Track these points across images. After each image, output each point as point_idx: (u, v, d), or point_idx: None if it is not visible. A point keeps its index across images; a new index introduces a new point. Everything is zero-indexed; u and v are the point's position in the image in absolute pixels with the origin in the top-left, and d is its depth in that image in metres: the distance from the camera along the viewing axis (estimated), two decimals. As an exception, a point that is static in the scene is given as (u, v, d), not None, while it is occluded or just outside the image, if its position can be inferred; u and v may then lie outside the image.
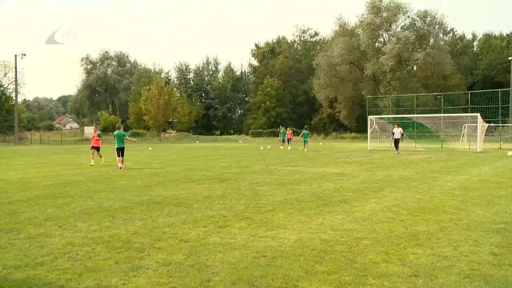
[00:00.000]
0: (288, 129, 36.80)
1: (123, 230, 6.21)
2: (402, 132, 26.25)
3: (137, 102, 75.37)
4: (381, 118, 37.18)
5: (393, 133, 26.33)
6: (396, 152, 25.73)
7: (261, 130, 72.26)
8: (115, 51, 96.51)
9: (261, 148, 34.22)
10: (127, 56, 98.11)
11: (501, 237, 5.70)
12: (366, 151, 29.07)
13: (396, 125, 26.34)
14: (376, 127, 34.78)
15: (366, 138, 36.87)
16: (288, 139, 34.78)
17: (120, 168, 15.76)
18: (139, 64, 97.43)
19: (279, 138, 34.63)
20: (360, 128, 64.00)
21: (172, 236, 5.82)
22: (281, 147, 33.31)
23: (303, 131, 33.40)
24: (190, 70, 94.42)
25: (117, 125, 18.61)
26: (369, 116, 34.61)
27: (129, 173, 14.46)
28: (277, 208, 7.85)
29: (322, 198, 8.92)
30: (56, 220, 6.89)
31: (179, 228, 6.31)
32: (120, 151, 16.40)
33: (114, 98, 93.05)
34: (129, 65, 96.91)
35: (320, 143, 49.58)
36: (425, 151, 28.70)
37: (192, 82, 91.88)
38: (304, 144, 32.05)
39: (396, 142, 25.98)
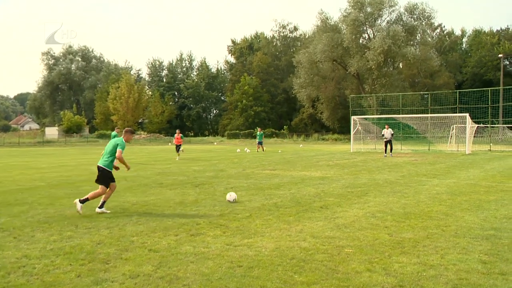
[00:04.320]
0: (258, 129, 36.49)
1: (86, 240, 6.08)
2: (392, 133, 26.59)
3: (104, 101, 74.45)
4: (365, 119, 37.64)
5: (383, 135, 26.63)
6: (385, 154, 26.07)
7: (237, 131, 72.33)
8: (79, 45, 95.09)
9: (238, 150, 34.16)
10: (93, 51, 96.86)
11: (491, 244, 5.77)
12: (349, 154, 29.38)
13: (386, 126, 26.63)
14: (360, 128, 35.19)
15: (349, 139, 37.30)
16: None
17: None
18: (106, 60, 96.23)
19: (257, 140, 34.40)
20: (343, 129, 64.76)
21: (141, 246, 5.73)
22: (257, 150, 33.22)
23: (258, 132, 33.65)
24: (163, 67, 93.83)
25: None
26: (352, 117, 35.03)
27: (94, 178, 14.18)
28: (254, 214, 7.84)
29: (302, 204, 8.95)
30: (10, 230, 6.70)
31: (148, 237, 6.23)
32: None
33: (79, 97, 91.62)
34: (95, 60, 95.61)
35: (301, 145, 49.85)
36: (411, 153, 29.17)
37: (165, 80, 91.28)
38: (258, 145, 32.58)
39: (387, 144, 26.23)
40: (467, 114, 30.76)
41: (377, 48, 55.47)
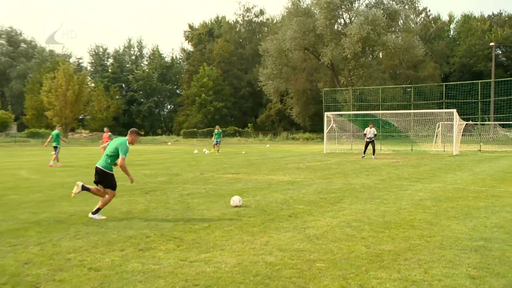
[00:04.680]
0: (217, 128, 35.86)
1: (10, 259, 5.88)
2: (375, 133, 26.56)
3: (36, 93, 72.44)
4: (340, 115, 38.12)
5: (365, 134, 26.51)
6: (363, 155, 26.25)
7: (195, 129, 72.06)
8: (2, 26, 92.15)
9: (196, 151, 33.96)
10: (21, 33, 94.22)
11: (480, 257, 5.87)
12: (322, 155, 29.67)
13: (369, 125, 26.56)
14: (334, 125, 35.64)
15: (322, 139, 37.73)
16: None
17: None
18: (39, 46, 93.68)
19: (213, 139, 34.07)
20: (315, 127, 65.53)
21: (79, 264, 5.60)
22: (217, 151, 33.01)
23: (215, 131, 33.57)
24: (109, 55, 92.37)
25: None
26: (326, 113, 35.49)
27: (25, 184, 13.84)
28: (213, 225, 7.80)
29: (268, 212, 8.98)
30: None
31: (88, 253, 6.10)
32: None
33: (4, 88, 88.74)
34: (24, 45, 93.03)
35: (267, 145, 50.04)
36: (392, 154, 29.75)
37: (110, 70, 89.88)
38: (215, 145, 32.69)
39: (368, 144, 26.26)
40: (455, 110, 31.44)
41: (354, 35, 55.97)
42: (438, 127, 36.23)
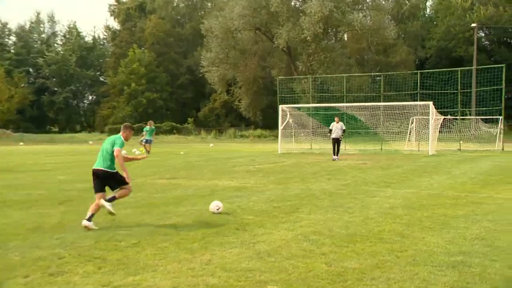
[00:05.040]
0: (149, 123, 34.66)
1: None
2: (343, 128, 26.64)
3: None
4: (298, 109, 38.41)
5: (331, 130, 26.46)
6: (334, 156, 25.90)
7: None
8: None
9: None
10: None
11: (458, 274, 5.98)
12: (276, 155, 29.90)
13: (335, 119, 26.56)
14: (291, 121, 35.76)
15: (277, 136, 37.79)
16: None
17: None
18: None
19: (142, 137, 33.21)
20: (268, 122, 65.66)
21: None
22: (147, 151, 32.34)
23: (147, 127, 32.57)
24: (10, 32, 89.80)
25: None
26: (281, 106, 35.59)
27: None
28: (144, 241, 7.73)
29: (211, 224, 8.97)
30: None
31: (-21, 282, 5.89)
32: None
33: None
34: None
35: (211, 145, 49.92)
36: (358, 155, 30.25)
37: (13, 50, 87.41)
38: (146, 144, 31.94)
39: (335, 143, 26.12)
40: (431, 103, 32.10)
41: (314, 13, 56.35)
42: (412, 122, 36.75)
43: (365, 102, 39.44)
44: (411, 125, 37.00)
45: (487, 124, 40.47)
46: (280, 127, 34.74)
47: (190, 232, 8.34)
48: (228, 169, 20.60)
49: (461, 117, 39.28)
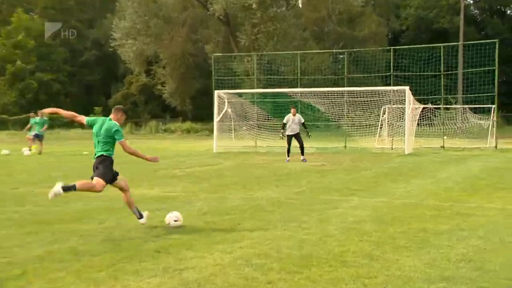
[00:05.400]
0: (39, 113, 33.63)
1: None
2: (302, 121, 26.15)
3: None
4: (240, 95, 38.35)
5: (285, 124, 26.04)
6: (288, 157, 25.84)
7: (5, 116, 69.48)
8: None
9: (4, 152, 32.67)
10: None
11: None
12: (210, 155, 30.02)
13: (292, 111, 26.07)
14: (230, 111, 35.59)
15: (211, 131, 37.83)
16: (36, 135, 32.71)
17: None
18: None
19: (28, 131, 32.50)
20: (200, 113, 65.43)
21: None
22: (39, 151, 31.70)
23: (36, 118, 31.91)
24: None
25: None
26: (216, 92, 35.26)
27: None
28: (31, 270, 7.54)
29: (124, 247, 8.86)
30: None
31: None
32: None
33: None
34: None
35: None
36: (317, 154, 30.43)
37: None
38: (35, 139, 31.61)
39: (291, 139, 25.89)
40: (407, 88, 32.10)
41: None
42: (384, 113, 36.96)
43: (324, 86, 39.54)
44: (382, 116, 37.17)
45: (476, 115, 40.90)
46: (216, 119, 34.41)
47: (95, 257, 8.17)
48: (148, 173, 20.27)
49: (444, 106, 39.78)
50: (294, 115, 25.81)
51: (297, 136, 25.95)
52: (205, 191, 15.50)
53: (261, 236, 9.51)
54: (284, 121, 26.16)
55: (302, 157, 25.74)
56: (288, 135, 26.07)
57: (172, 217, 10.31)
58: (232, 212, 11.98)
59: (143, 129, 65.95)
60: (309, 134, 27.11)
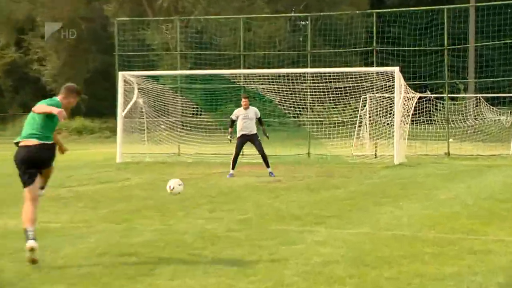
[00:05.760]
0: None
1: None
2: (258, 116, 25.80)
3: None
4: (156, 79, 37.84)
5: (234, 122, 25.77)
6: (231, 171, 25.46)
7: None
8: None
9: None
10: None
11: None
12: (113, 167, 30.16)
13: (243, 101, 25.71)
14: (141, 101, 35.12)
15: (114, 132, 38.06)
16: None
17: None
18: None
19: None
20: (97, 105, 65.37)
21: None
22: None
23: None
24: None
25: None
26: (121, 73, 34.71)
27: None
28: None
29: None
30: None
31: None
32: None
33: None
34: None
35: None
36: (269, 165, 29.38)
37: None
38: None
39: (242, 144, 25.71)
40: (397, 69, 31.69)
41: None
42: (364, 105, 36.68)
43: (279, 67, 39.66)
44: (362, 109, 36.98)
45: (495, 108, 41.13)
46: (121, 113, 33.87)
47: None
48: (15, 195, 18.51)
49: (449, 95, 39.64)
50: (246, 107, 25.40)
51: (253, 138, 25.51)
52: (103, 220, 14.97)
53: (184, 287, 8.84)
54: (233, 116, 25.93)
55: (269, 170, 25.40)
56: (239, 138, 25.48)
57: (177, 181, 11.58)
58: (143, 251, 11.23)
59: (11, 127, 64.25)
60: (267, 134, 26.73)
